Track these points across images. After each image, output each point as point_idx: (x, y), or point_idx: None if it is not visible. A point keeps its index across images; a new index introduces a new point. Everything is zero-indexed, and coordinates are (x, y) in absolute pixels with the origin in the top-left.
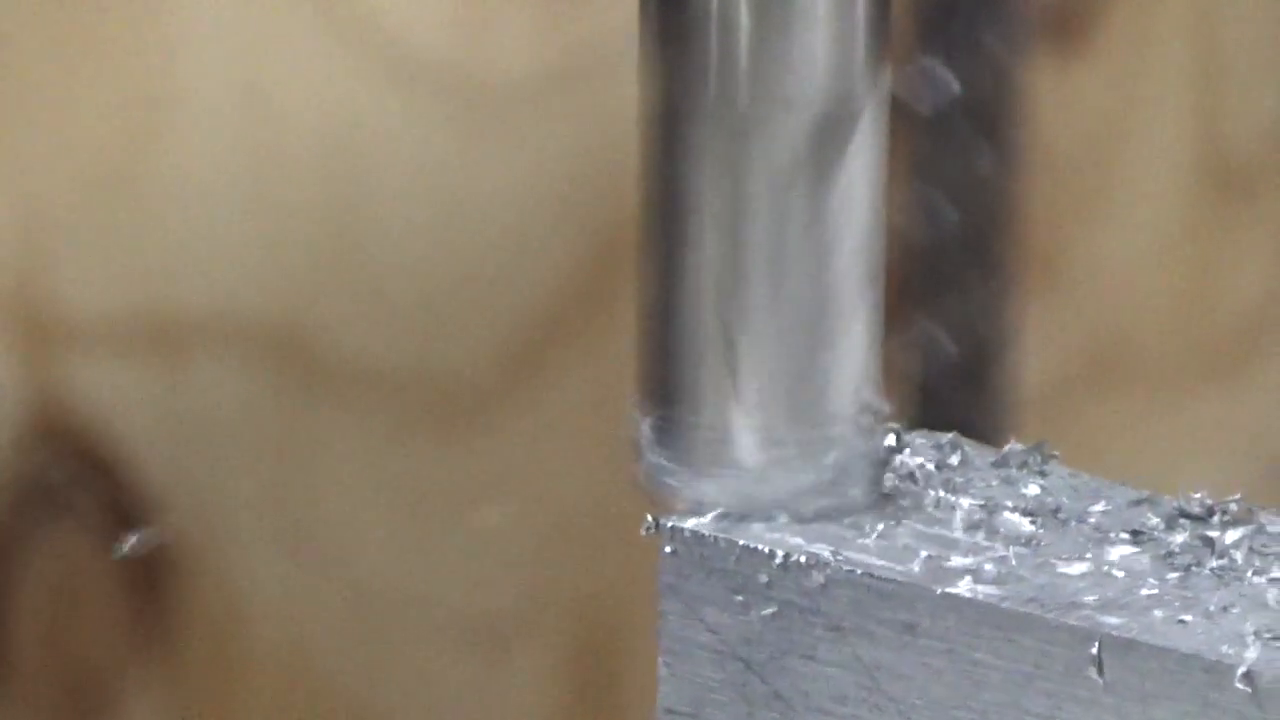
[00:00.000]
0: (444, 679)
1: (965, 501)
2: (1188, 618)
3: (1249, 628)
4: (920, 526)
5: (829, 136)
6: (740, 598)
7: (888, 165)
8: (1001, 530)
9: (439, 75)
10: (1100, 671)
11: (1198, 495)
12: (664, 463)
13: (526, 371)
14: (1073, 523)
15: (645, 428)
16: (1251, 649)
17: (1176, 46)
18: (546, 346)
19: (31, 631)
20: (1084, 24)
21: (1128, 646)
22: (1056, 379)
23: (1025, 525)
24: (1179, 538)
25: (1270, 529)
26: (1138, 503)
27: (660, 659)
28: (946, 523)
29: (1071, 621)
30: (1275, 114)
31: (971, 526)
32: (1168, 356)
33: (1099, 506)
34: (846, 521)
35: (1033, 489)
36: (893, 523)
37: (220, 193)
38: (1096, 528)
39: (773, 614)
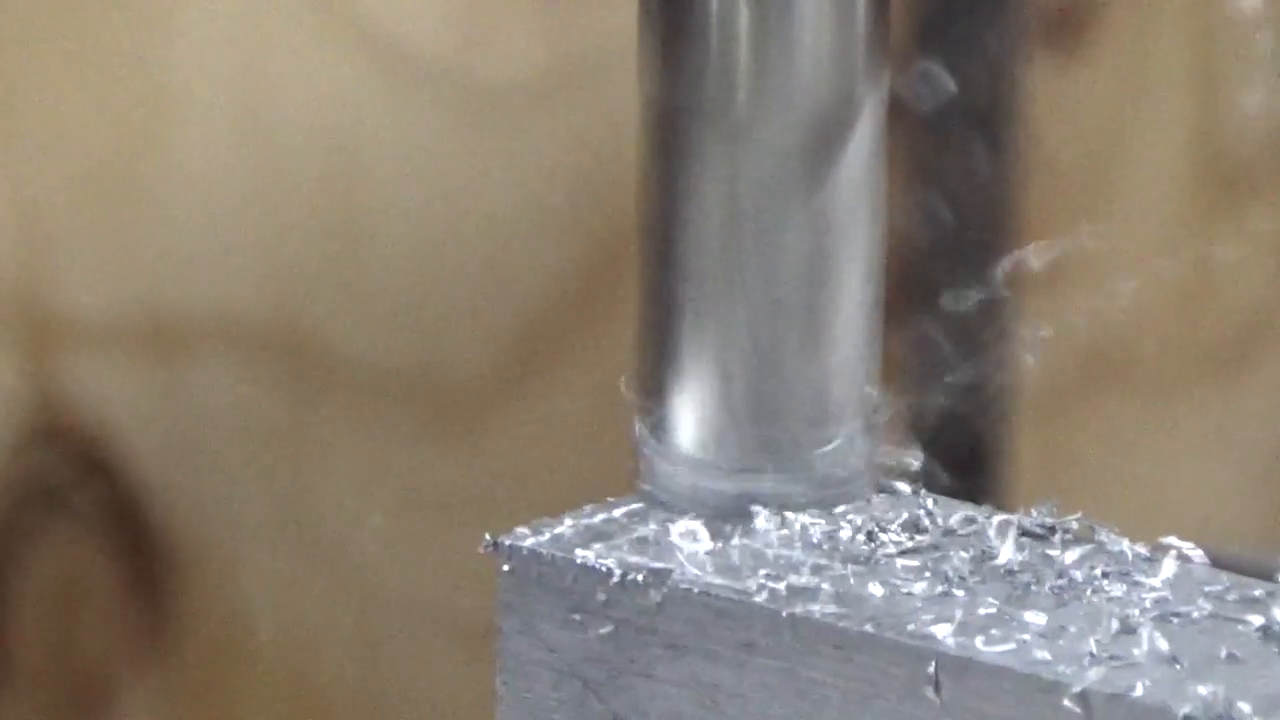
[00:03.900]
0: (444, 679)
1: (805, 520)
2: (1026, 637)
3: (1087, 647)
4: (759, 545)
5: (828, 137)
6: (578, 616)
7: (887, 165)
8: (841, 549)
9: (439, 76)
10: (937, 691)
11: (1037, 512)
12: (661, 461)
13: (526, 372)
14: (911, 540)
15: (642, 426)
16: (1089, 669)
17: (1175, 47)
18: (546, 347)
19: (32, 631)
20: (1082, 24)
21: (964, 666)
22: (1054, 379)
23: (864, 544)
24: (1019, 556)
25: (1110, 548)
26: (975, 519)
27: (498, 678)
28: (786, 541)
29: (908, 640)
30: (1274, 114)
31: (810, 545)
32: (1166, 357)
33: (939, 525)
34: (687, 539)
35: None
36: (731, 540)
37: (220, 193)
38: (935, 546)
39: (610, 632)
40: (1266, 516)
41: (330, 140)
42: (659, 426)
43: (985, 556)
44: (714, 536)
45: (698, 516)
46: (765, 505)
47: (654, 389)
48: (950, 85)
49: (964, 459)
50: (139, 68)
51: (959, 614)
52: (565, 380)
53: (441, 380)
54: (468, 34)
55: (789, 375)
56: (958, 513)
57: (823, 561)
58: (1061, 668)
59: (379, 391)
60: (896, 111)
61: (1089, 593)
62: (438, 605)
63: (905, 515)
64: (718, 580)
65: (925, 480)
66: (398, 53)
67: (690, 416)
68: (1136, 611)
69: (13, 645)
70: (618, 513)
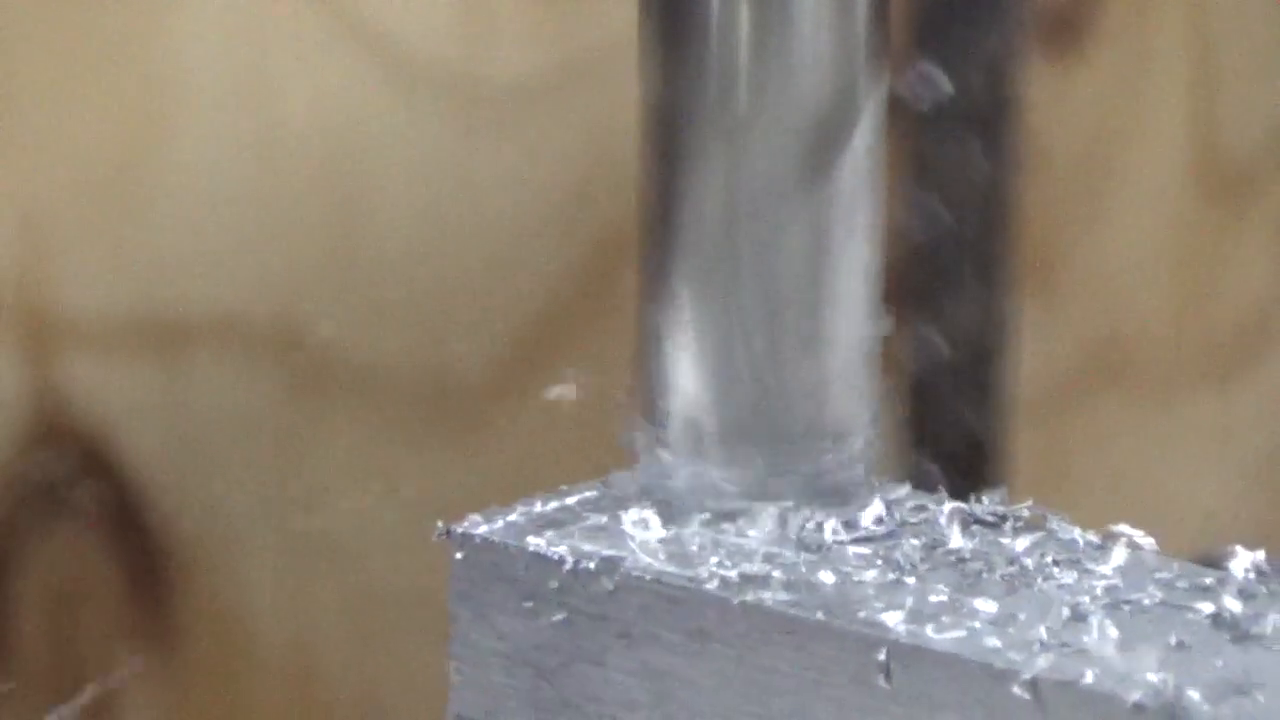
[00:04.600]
0: (444, 678)
1: (757, 508)
2: (976, 624)
3: (1036, 635)
4: (711, 532)
5: (828, 138)
6: (530, 604)
7: (886, 167)
8: (794, 537)
9: (439, 76)
10: (888, 678)
11: (989, 500)
12: (661, 460)
13: (526, 371)
14: (863, 529)
15: (642, 425)
16: (1038, 656)
17: (1173, 49)
18: (546, 346)
19: (33, 631)
20: (1081, 27)
21: (915, 653)
22: (1053, 380)
23: (816, 532)
24: (970, 544)
25: (1061, 536)
26: (926, 508)
27: (451, 665)
28: (739, 529)
29: (859, 628)
30: (1272, 116)
31: (763, 533)
32: (1164, 357)
33: (893, 512)
34: (639, 527)
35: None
36: (684, 528)
37: (220, 193)
38: (888, 534)
39: (563, 620)
40: (1265, 515)
41: (331, 140)
42: (659, 426)
43: (936, 544)
44: (666, 524)
45: (650, 505)
46: (764, 505)
47: (654, 388)
48: (948, 85)
49: (964, 459)
50: (140, 68)
51: (910, 601)
52: (565, 380)
53: (441, 380)
54: (468, 34)
55: (788, 375)
56: (910, 501)
57: (774, 549)
58: (1012, 655)
59: (379, 391)
60: (896, 111)
61: (1040, 580)
62: (437, 605)
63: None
64: (670, 568)
65: (924, 480)
66: (398, 53)
67: (689, 416)
68: (1087, 599)
69: (14, 645)
70: (571, 501)
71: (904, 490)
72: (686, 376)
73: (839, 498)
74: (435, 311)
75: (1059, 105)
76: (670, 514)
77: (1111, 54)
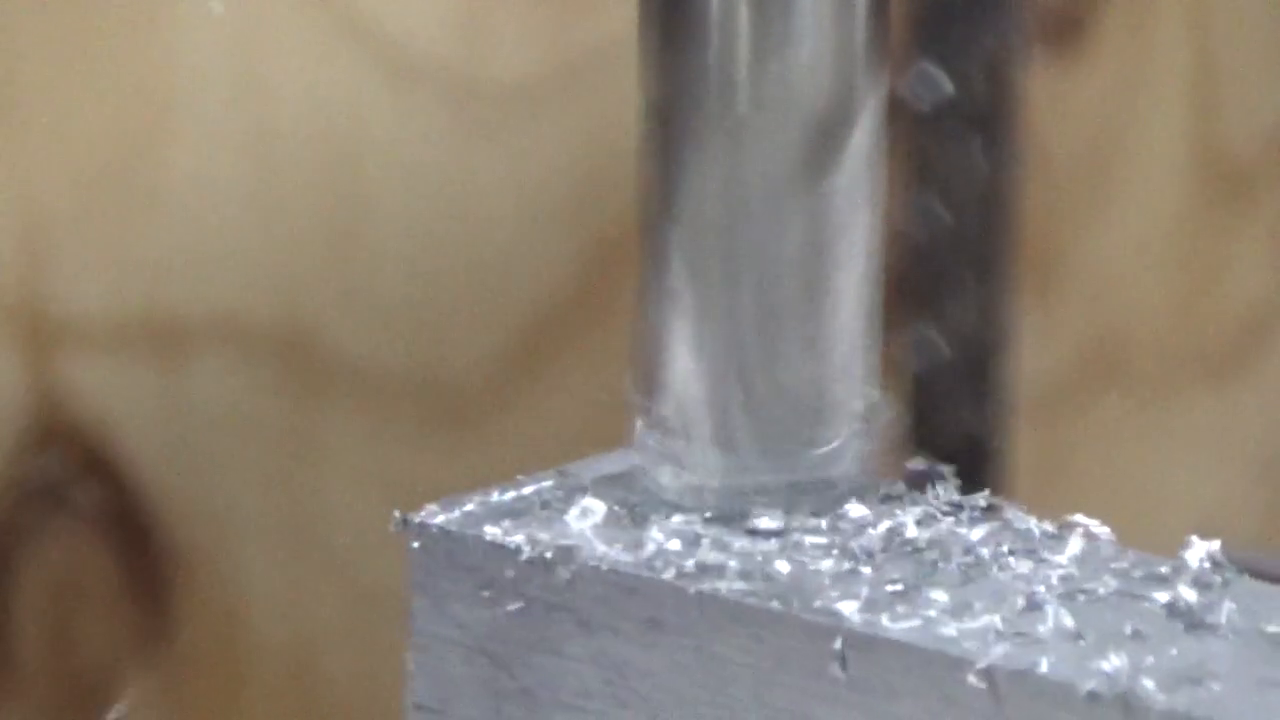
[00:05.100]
0: None
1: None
2: (932, 614)
3: (992, 624)
4: (669, 522)
5: (827, 138)
6: (487, 593)
7: (886, 167)
8: (750, 526)
9: (439, 76)
10: (844, 667)
11: (943, 490)
12: (659, 460)
13: (526, 372)
14: (823, 520)
15: (641, 425)
16: (993, 645)
17: (1174, 48)
18: (546, 346)
19: (33, 631)
20: (1081, 26)
21: (870, 642)
22: (1052, 380)
23: (774, 522)
24: (926, 534)
25: (1017, 525)
26: (887, 499)
27: (409, 654)
28: (695, 519)
29: (814, 618)
30: (1272, 115)
31: (720, 522)
32: (1164, 357)
33: (849, 504)
34: (594, 517)
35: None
36: (642, 518)
37: (220, 193)
38: (844, 523)
39: (520, 609)
40: (1265, 515)
41: (330, 140)
42: (657, 426)
43: (893, 534)
44: (630, 516)
45: (596, 495)
46: (763, 505)
47: (653, 388)
48: (948, 85)
49: (964, 459)
50: (140, 68)
51: (865, 591)
52: (565, 380)
53: (441, 380)
54: (468, 35)
55: (787, 375)
56: (867, 491)
57: (731, 539)
58: (967, 644)
59: (379, 391)
60: (896, 111)
61: (995, 570)
62: None
63: (815, 494)
64: (626, 557)
65: (925, 481)
66: (398, 53)
67: (688, 416)
68: (1042, 588)
69: (14, 645)
70: (527, 490)
71: (898, 489)
72: (684, 374)
73: (834, 497)
74: (435, 311)
75: (1059, 105)
76: (646, 507)
77: (1111, 54)
